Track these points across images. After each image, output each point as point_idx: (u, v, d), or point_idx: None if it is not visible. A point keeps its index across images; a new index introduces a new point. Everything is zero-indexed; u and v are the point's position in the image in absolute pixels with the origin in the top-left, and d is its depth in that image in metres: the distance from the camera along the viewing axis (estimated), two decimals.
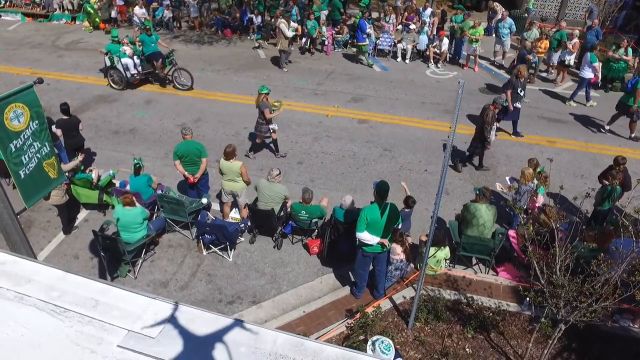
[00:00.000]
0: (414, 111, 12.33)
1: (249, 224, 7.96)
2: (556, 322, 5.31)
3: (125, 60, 12.80)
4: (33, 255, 5.16)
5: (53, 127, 8.82)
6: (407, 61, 15.53)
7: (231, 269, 7.45)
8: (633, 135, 11.02)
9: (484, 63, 15.41)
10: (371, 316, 6.15)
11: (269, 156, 10.28)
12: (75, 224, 8.29)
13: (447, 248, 7.12)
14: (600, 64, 12.63)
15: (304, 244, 7.83)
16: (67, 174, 7.93)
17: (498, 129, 10.67)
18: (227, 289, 7.11)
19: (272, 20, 17.28)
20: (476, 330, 6.33)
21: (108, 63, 13.12)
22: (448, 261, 7.32)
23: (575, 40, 13.41)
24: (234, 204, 8.20)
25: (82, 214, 8.59)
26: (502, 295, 6.96)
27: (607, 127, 11.33)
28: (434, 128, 11.45)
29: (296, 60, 15.55)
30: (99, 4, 18.45)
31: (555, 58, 13.86)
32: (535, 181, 7.85)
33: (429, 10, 16.55)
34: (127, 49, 12.87)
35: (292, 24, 14.69)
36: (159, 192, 8.12)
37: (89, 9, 18.22)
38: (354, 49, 16.41)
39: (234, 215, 8.25)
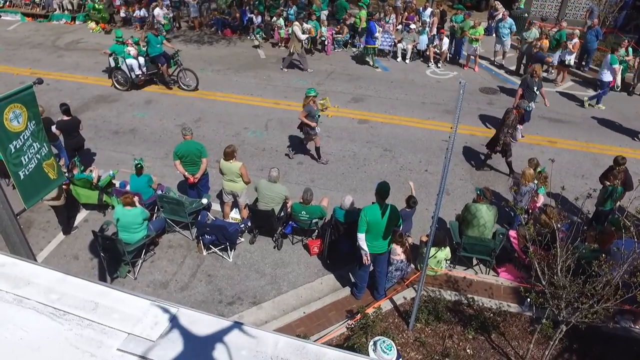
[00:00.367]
0: (414, 111, 12.31)
1: (249, 224, 7.94)
2: (557, 323, 5.29)
3: (130, 61, 12.75)
4: (32, 256, 5.14)
5: (53, 127, 8.81)
6: (407, 61, 15.51)
7: (231, 269, 7.43)
8: None
9: (484, 63, 15.39)
10: (372, 317, 6.13)
11: (270, 156, 10.27)
12: (75, 225, 8.27)
13: (448, 248, 7.10)
14: (621, 66, 12.41)
15: (304, 244, 7.81)
16: (66, 174, 7.92)
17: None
18: (227, 289, 7.09)
19: (272, 20, 17.29)
20: (477, 331, 6.31)
21: (113, 64, 13.02)
22: (448, 262, 7.30)
23: (576, 40, 13.40)
24: (235, 204, 8.18)
25: (82, 214, 8.57)
26: (503, 296, 6.94)
27: None
28: (434, 128, 11.43)
29: (296, 60, 15.51)
30: (99, 4, 18.47)
31: (556, 58, 13.84)
32: (536, 181, 7.83)
33: (428, 10, 16.55)
34: (132, 50, 12.82)
35: (305, 25, 14.65)
36: (159, 192, 8.11)
37: (97, 7, 18.18)
38: (354, 49, 16.42)
39: (234, 215, 8.23)
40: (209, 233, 7.37)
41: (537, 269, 5.08)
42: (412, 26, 15.46)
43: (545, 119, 11.93)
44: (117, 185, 8.56)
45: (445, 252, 7.06)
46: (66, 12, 19.76)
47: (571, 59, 13.70)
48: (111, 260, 7.27)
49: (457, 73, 14.79)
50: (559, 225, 5.31)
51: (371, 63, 15.17)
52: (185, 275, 7.33)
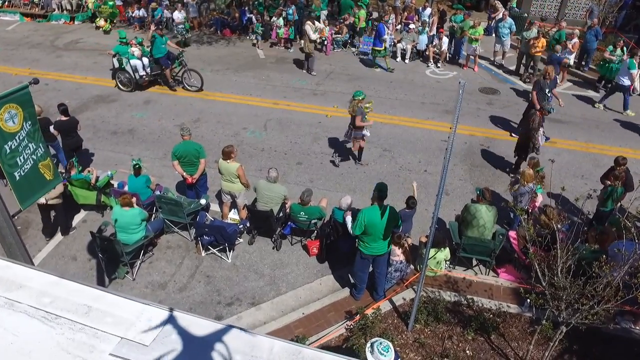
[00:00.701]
0: (413, 111, 12.27)
1: (248, 224, 7.91)
2: (557, 324, 5.26)
3: (134, 61, 12.70)
4: (29, 258, 5.09)
5: (51, 127, 8.77)
6: (406, 61, 15.47)
7: (230, 270, 7.40)
8: None
9: (483, 63, 15.34)
10: (371, 318, 6.10)
11: (269, 156, 10.23)
12: (73, 225, 8.24)
13: (447, 249, 7.06)
14: (639, 71, 11.85)
15: (303, 245, 7.78)
16: (64, 174, 7.88)
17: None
18: (225, 290, 7.06)
19: (272, 20, 17.25)
20: (476, 332, 6.28)
21: (116, 65, 12.97)
22: (448, 262, 7.27)
23: (575, 40, 13.35)
24: (233, 205, 8.14)
25: (80, 215, 8.53)
26: (502, 296, 6.90)
27: None
28: (433, 128, 11.39)
29: (295, 59, 15.50)
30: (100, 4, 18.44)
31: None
32: (535, 181, 7.79)
33: (428, 10, 16.50)
34: (136, 50, 12.78)
35: (317, 24, 14.53)
36: (157, 192, 8.07)
37: (107, 2, 18.13)
38: (353, 49, 16.37)
39: (232, 216, 8.20)
40: (207, 234, 7.33)
41: (537, 269, 5.04)
42: (412, 26, 15.40)
43: (545, 119, 11.86)
44: (115, 185, 8.52)
45: (445, 253, 7.02)
46: (65, 12, 19.73)
47: (571, 59, 13.66)
48: (109, 261, 7.23)
49: (456, 73, 14.75)
50: (559, 226, 5.27)
51: (385, 66, 14.77)
52: (183, 276, 7.30)
